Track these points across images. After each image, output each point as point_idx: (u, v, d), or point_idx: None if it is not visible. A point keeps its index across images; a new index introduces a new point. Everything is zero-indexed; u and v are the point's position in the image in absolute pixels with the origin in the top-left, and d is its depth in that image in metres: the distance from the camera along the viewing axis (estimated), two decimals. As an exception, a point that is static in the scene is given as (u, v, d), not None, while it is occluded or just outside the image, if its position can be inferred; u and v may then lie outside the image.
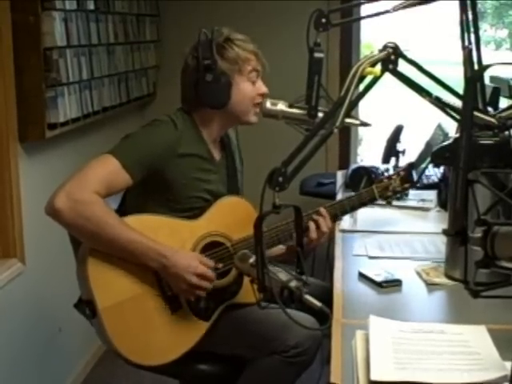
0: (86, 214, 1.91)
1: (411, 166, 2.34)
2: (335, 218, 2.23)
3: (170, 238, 2.04)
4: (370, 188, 2.28)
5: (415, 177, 2.36)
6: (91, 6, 3.15)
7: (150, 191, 2.10)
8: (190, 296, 2.02)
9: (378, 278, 1.90)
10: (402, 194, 2.34)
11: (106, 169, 1.98)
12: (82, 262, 1.99)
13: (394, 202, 2.43)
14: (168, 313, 2.03)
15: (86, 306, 1.98)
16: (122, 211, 2.12)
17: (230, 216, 2.14)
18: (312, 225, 2.14)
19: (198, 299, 2.06)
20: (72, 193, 1.91)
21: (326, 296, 1.84)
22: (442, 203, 2.60)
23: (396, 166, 2.38)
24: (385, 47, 1.56)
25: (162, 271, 1.99)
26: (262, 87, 2.18)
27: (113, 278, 1.98)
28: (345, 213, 2.25)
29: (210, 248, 2.09)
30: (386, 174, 2.37)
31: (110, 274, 1.97)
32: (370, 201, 2.27)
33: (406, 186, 2.31)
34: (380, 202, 2.34)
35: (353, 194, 2.34)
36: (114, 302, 1.97)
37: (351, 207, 2.24)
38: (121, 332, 1.98)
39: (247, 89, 2.14)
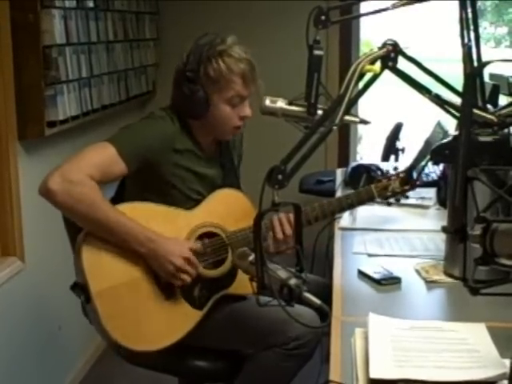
0: (78, 196, 1.92)
1: (412, 169, 2.34)
2: (332, 214, 2.23)
3: (165, 226, 2.05)
4: (369, 187, 2.27)
5: (415, 177, 2.36)
6: (90, 4, 3.15)
7: (146, 186, 2.11)
8: (175, 281, 2.02)
9: (377, 276, 1.90)
10: (400, 196, 2.33)
11: (103, 155, 1.99)
12: (77, 248, 2.01)
13: (393, 200, 2.43)
14: (162, 299, 2.04)
15: (81, 291, 1.99)
16: (119, 202, 2.12)
17: (225, 208, 2.16)
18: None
19: (192, 288, 2.06)
20: (66, 175, 1.92)
21: (326, 293, 1.85)
22: (442, 201, 2.59)
23: (396, 168, 2.38)
24: (384, 45, 1.56)
25: (148, 256, 1.99)
26: (244, 110, 2.14)
27: (107, 263, 1.99)
28: (342, 210, 2.25)
29: (205, 238, 2.10)
30: (386, 173, 2.36)
31: (104, 259, 1.99)
32: (368, 200, 2.27)
33: (406, 188, 2.31)
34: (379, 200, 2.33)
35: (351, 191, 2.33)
36: (107, 287, 1.98)
37: (349, 205, 2.23)
38: (114, 317, 1.98)
39: (225, 111, 2.12)
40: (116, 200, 2.15)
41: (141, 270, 2.02)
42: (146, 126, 2.10)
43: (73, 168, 1.94)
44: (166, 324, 2.05)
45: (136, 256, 2.00)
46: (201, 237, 2.10)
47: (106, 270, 1.99)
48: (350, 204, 2.23)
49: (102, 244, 1.98)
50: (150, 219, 2.03)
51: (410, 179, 2.30)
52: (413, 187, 2.33)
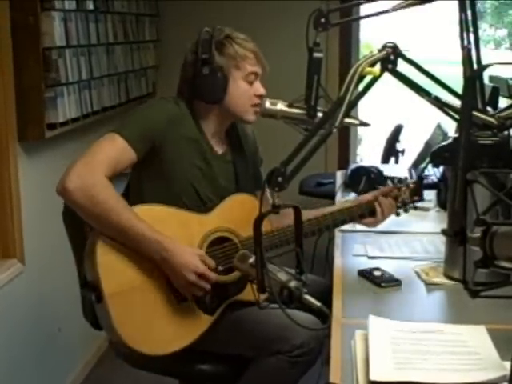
0: (95, 197, 1.93)
1: (422, 180, 2.34)
2: (343, 223, 2.22)
3: (179, 230, 2.04)
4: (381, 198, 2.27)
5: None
6: (90, 6, 3.15)
7: (149, 174, 2.11)
8: (187, 293, 2.02)
9: (378, 278, 1.90)
10: (410, 206, 2.33)
11: (114, 147, 2.01)
12: (91, 249, 1.99)
13: (402, 211, 2.42)
14: (173, 304, 2.03)
15: (92, 291, 1.98)
16: (127, 197, 2.12)
17: (239, 213, 2.14)
18: (378, 208, 2.20)
19: (204, 294, 2.06)
20: (83, 174, 1.93)
21: (326, 293, 1.85)
22: (442, 203, 2.60)
23: (406, 178, 2.37)
24: (384, 47, 1.56)
25: (162, 264, 1.99)
26: (259, 88, 2.18)
27: (121, 265, 1.98)
28: (354, 219, 2.23)
29: (218, 243, 2.10)
30: (397, 184, 2.35)
31: (118, 261, 1.98)
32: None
33: (416, 198, 2.31)
34: None
35: (357, 197, 2.33)
36: (120, 290, 1.97)
37: (360, 214, 2.22)
38: (125, 319, 1.97)
39: (244, 87, 2.15)
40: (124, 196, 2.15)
41: (154, 273, 2.01)
42: (151, 106, 2.15)
43: (88, 167, 1.95)
44: (176, 329, 2.04)
45: (150, 259, 1.99)
46: (213, 242, 2.10)
47: (119, 272, 1.98)
48: (361, 214, 2.22)
49: (116, 246, 1.98)
50: (163, 222, 2.02)
51: (420, 190, 2.30)
52: (422, 198, 2.33)
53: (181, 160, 2.11)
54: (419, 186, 2.32)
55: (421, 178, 2.36)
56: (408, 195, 2.30)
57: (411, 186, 2.31)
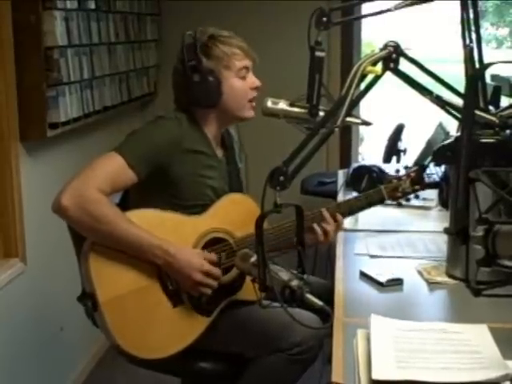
0: (91, 212, 1.93)
1: (422, 168, 2.33)
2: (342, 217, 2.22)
3: (172, 233, 2.04)
4: (379, 188, 2.27)
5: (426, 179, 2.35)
6: (92, 6, 3.15)
7: (153, 188, 2.10)
8: (195, 293, 2.03)
9: (380, 277, 1.90)
10: (411, 196, 2.32)
11: (112, 167, 1.99)
12: (84, 256, 2.00)
13: (404, 200, 2.42)
14: (169, 307, 2.04)
15: (89, 299, 1.99)
16: (124, 206, 2.12)
17: (233, 213, 2.15)
18: (318, 229, 2.15)
19: (200, 295, 2.06)
20: (78, 190, 1.93)
21: (328, 294, 1.85)
22: (444, 202, 2.59)
23: (406, 167, 2.37)
24: (386, 46, 1.55)
25: (166, 268, 2.00)
26: (254, 81, 2.18)
27: (115, 271, 1.99)
28: (352, 213, 2.24)
29: (213, 244, 2.10)
30: (396, 174, 2.35)
31: (111, 267, 1.98)
32: (378, 201, 2.26)
33: (417, 187, 2.31)
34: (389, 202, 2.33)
35: (359, 194, 2.33)
36: (115, 296, 1.97)
37: (359, 207, 2.23)
38: (121, 325, 1.98)
39: (237, 84, 2.15)
40: (120, 206, 2.14)
41: (148, 278, 2.01)
42: (152, 129, 2.10)
43: (83, 183, 1.95)
44: (173, 331, 2.04)
45: (144, 263, 2.00)
46: (208, 243, 2.09)
47: (113, 278, 1.98)
48: (360, 207, 2.22)
49: (109, 252, 1.98)
50: (157, 226, 2.03)
51: (421, 178, 2.30)
52: (423, 187, 2.32)
53: (190, 174, 2.11)
54: (420, 174, 2.31)
55: (422, 166, 2.35)
56: (409, 185, 2.30)
57: (412, 175, 2.31)
